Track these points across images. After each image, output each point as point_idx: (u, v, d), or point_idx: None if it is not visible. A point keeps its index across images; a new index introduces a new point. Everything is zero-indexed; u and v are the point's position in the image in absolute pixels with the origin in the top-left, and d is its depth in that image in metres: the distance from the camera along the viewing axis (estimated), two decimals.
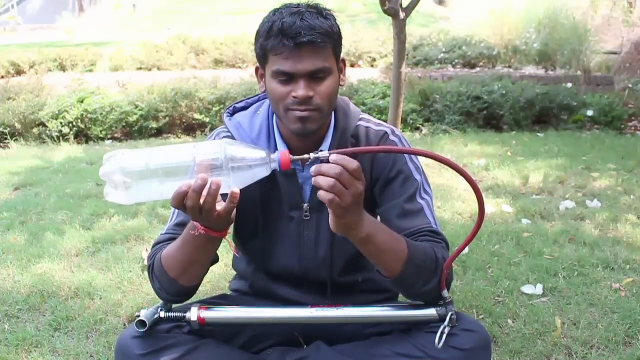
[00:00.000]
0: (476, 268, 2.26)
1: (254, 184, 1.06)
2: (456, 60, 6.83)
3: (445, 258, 1.16)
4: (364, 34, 7.70)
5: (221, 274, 2.24)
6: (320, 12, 1.16)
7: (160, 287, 1.21)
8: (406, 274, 1.13)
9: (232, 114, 1.35)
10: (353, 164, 0.98)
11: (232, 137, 1.29)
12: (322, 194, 0.97)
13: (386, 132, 1.32)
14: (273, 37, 1.13)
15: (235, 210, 1.07)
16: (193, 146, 1.03)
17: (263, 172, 1.04)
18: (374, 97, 5.29)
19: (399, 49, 3.60)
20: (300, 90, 1.14)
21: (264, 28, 1.16)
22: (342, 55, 1.24)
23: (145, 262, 1.41)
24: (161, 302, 1.25)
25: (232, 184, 1.02)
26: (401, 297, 1.55)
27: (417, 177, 1.28)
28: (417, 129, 5.25)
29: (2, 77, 6.71)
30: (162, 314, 1.21)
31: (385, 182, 1.28)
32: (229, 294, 1.53)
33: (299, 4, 1.17)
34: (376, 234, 1.08)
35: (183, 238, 1.14)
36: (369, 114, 1.41)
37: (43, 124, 5.21)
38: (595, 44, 6.79)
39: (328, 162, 0.97)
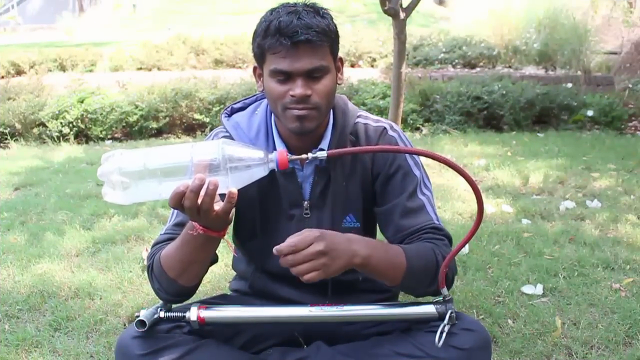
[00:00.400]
0: (476, 268, 2.26)
1: (252, 184, 1.06)
2: (456, 60, 6.83)
3: (446, 257, 1.16)
4: (364, 34, 7.70)
5: (221, 274, 2.24)
6: (317, 11, 1.16)
7: (159, 287, 1.21)
8: (407, 281, 1.15)
9: (229, 115, 1.35)
10: (288, 247, 1.03)
11: (231, 137, 1.29)
12: (302, 279, 1.04)
13: (385, 128, 1.32)
14: (270, 36, 1.13)
15: (233, 210, 1.07)
16: (191, 146, 1.03)
17: (261, 172, 1.04)
18: (374, 97, 5.29)
19: (399, 49, 3.60)
20: (298, 88, 1.14)
21: (261, 27, 1.16)
22: (342, 55, 1.25)
23: (145, 262, 1.41)
24: (161, 302, 1.25)
25: (230, 184, 1.02)
26: (402, 297, 1.55)
27: (417, 172, 1.29)
28: (417, 129, 5.25)
29: (2, 77, 6.70)
30: (162, 314, 1.21)
31: (385, 177, 1.29)
32: (228, 294, 1.53)
33: (295, 3, 1.17)
34: (372, 255, 1.10)
35: (182, 238, 1.14)
36: None
37: (43, 124, 5.20)
38: (595, 44, 6.78)
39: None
